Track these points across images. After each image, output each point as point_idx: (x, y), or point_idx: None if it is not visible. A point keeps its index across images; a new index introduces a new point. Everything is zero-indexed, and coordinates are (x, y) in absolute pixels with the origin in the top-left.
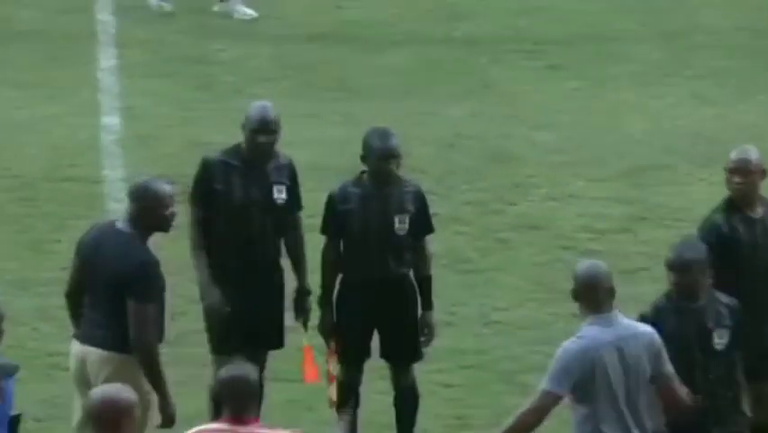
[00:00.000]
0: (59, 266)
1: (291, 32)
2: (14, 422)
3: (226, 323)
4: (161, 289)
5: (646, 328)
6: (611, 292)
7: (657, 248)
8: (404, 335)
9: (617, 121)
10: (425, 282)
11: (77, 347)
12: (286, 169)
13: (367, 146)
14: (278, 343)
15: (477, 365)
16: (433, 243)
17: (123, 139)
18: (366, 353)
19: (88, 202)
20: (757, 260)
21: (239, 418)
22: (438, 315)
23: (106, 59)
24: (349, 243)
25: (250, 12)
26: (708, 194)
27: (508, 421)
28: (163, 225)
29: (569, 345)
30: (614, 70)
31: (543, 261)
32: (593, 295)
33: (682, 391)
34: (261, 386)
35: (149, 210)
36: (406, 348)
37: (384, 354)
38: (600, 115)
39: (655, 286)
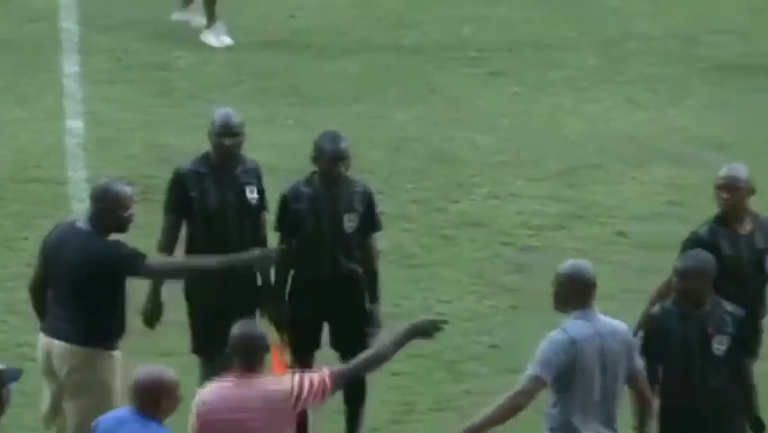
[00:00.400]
0: (25, 262)
1: (246, 40)
2: None
3: (203, 328)
4: (137, 256)
5: (623, 326)
6: (594, 290)
7: (591, 244)
8: (352, 326)
9: (555, 124)
10: (372, 277)
11: (43, 339)
12: (253, 171)
13: (318, 149)
14: None
15: (421, 355)
16: (380, 239)
17: (86, 142)
18: (316, 344)
19: (53, 202)
20: (740, 273)
21: (249, 370)
22: (385, 307)
23: (70, 67)
24: (301, 240)
25: (228, 40)
26: (639, 193)
27: (497, 403)
28: (122, 225)
29: (555, 335)
30: (552, 76)
31: (483, 256)
32: (580, 292)
33: (647, 387)
34: None
35: (108, 211)
36: (354, 339)
37: (334, 345)
38: (539, 119)
39: None
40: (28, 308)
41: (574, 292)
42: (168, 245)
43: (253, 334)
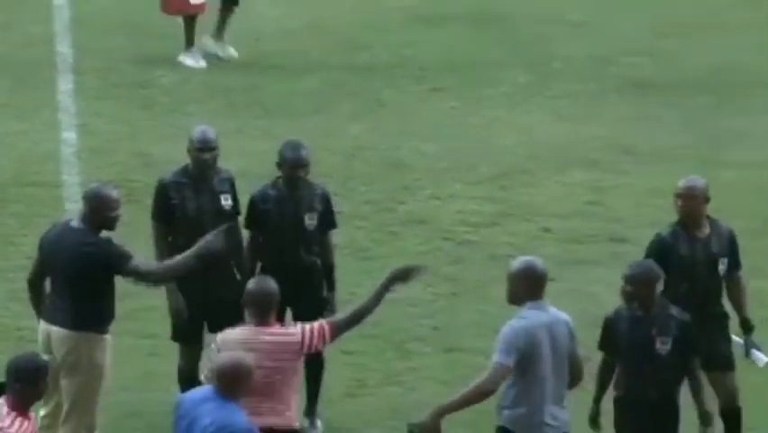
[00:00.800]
0: (25, 256)
1: (219, 62)
2: None
3: (188, 319)
4: (124, 256)
5: (566, 316)
6: (545, 283)
7: (520, 239)
8: (312, 311)
9: (489, 134)
10: (330, 269)
11: (42, 325)
12: (228, 181)
13: (281, 156)
14: None
15: (372, 336)
16: (336, 236)
17: (79, 151)
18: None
19: (50, 203)
20: (696, 273)
21: (262, 322)
22: (340, 295)
23: (65, 84)
24: (267, 236)
25: (233, 53)
26: (563, 194)
27: (466, 390)
28: (110, 224)
29: (515, 323)
30: (486, 92)
31: (426, 249)
32: (532, 286)
33: (581, 367)
34: None
35: (98, 211)
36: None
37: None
38: (475, 129)
39: None
40: (27, 297)
41: (528, 287)
42: (162, 253)
43: (267, 289)
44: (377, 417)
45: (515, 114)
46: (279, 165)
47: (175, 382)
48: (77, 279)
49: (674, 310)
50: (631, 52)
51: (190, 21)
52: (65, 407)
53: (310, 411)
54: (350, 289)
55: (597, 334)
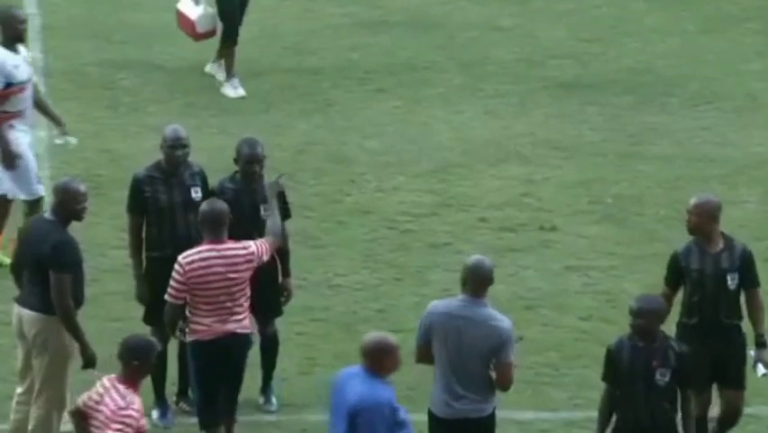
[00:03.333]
0: (1, 245)
1: (179, 65)
2: None
3: (157, 303)
4: (76, 262)
5: (502, 322)
6: (485, 284)
7: (458, 228)
8: (269, 296)
9: (428, 131)
10: (285, 256)
11: (16, 309)
12: (198, 175)
13: (239, 152)
14: None
15: (323, 319)
16: (289, 225)
17: (49, 147)
18: None
19: None
20: (705, 286)
21: (216, 240)
22: (294, 280)
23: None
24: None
25: (242, 92)
26: (497, 186)
27: None
28: (78, 215)
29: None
30: (426, 93)
31: (371, 238)
32: (471, 282)
33: (507, 377)
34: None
35: (67, 203)
36: (270, 306)
37: (253, 310)
38: (415, 127)
39: (458, 257)
40: (3, 284)
41: (470, 281)
42: (135, 244)
43: (219, 209)
44: (328, 393)
45: (451, 112)
46: (236, 160)
47: None
48: (43, 266)
49: (673, 342)
50: (557, 56)
51: (229, 52)
52: (36, 384)
53: (266, 388)
54: (301, 274)
55: (528, 315)
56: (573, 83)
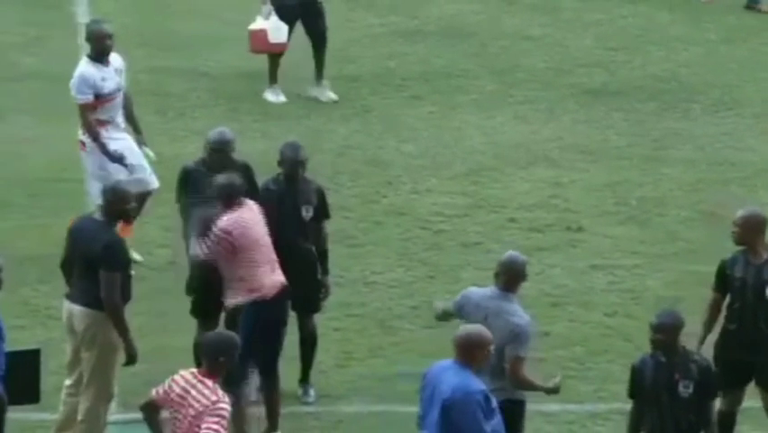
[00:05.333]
0: (54, 243)
1: (224, 72)
2: (37, 355)
3: (206, 296)
4: (125, 262)
5: (522, 319)
6: (518, 280)
7: (489, 228)
8: (308, 292)
9: (461, 136)
10: (324, 254)
11: (67, 305)
12: (242, 168)
13: (282, 155)
14: None
15: (359, 315)
16: (328, 225)
17: None
18: None
19: (75, 197)
20: (745, 295)
21: (234, 205)
22: (332, 278)
23: None
24: (269, 224)
25: (333, 96)
26: (526, 189)
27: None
28: (126, 215)
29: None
30: (459, 99)
31: (406, 237)
32: (505, 276)
33: (518, 372)
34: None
35: (116, 204)
36: (309, 302)
37: (293, 307)
38: (449, 132)
39: (488, 256)
40: (54, 280)
41: (502, 275)
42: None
43: (233, 181)
44: (363, 385)
45: (483, 118)
46: (280, 163)
47: (184, 355)
48: (93, 264)
49: (696, 356)
50: (585, 64)
51: (274, 59)
52: (85, 377)
53: (305, 381)
54: (339, 272)
55: (555, 312)
56: (600, 90)
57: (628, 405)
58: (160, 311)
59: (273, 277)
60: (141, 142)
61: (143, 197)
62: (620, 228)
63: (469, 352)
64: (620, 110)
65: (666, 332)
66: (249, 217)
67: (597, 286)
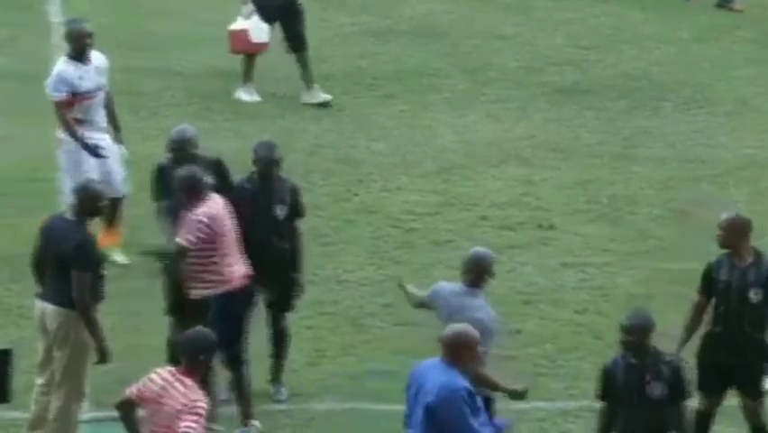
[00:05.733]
0: (24, 243)
1: (197, 71)
2: (8, 355)
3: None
4: (97, 261)
5: (487, 314)
6: (484, 276)
7: (460, 226)
8: (281, 291)
9: (433, 134)
10: (298, 253)
11: (39, 304)
12: (211, 164)
13: (256, 154)
14: None
15: (331, 313)
16: (301, 224)
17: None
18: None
19: (46, 196)
20: (729, 297)
21: (197, 199)
22: (305, 276)
23: None
24: (243, 223)
25: (326, 96)
26: (498, 187)
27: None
28: (97, 212)
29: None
30: (431, 98)
31: (378, 236)
32: (470, 272)
33: (482, 370)
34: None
35: (87, 203)
36: (282, 301)
37: (267, 305)
38: (420, 130)
39: (459, 253)
40: (26, 279)
41: (468, 272)
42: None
43: (194, 174)
44: (335, 383)
45: (455, 116)
46: (254, 162)
47: (157, 353)
48: (65, 264)
49: (668, 357)
50: (556, 62)
51: (251, 58)
52: (57, 376)
53: (276, 379)
54: (312, 270)
55: (526, 309)
56: (572, 88)
57: (599, 403)
58: (131, 310)
59: (241, 269)
60: (118, 141)
61: (114, 203)
62: (591, 226)
63: (456, 351)
64: (592, 108)
65: (637, 333)
66: (217, 210)
67: (568, 284)
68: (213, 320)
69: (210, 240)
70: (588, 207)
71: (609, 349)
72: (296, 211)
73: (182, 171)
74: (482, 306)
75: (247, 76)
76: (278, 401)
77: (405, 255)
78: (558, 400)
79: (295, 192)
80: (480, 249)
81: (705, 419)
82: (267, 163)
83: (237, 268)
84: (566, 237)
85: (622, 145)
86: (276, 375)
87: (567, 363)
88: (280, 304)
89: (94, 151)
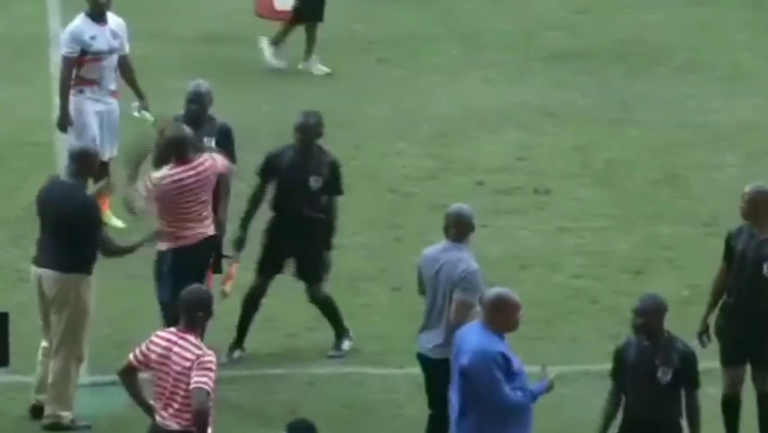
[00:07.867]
0: (22, 207)
1: (190, 36)
2: (5, 318)
3: None
4: (101, 219)
5: (468, 264)
6: (465, 228)
7: (457, 190)
8: (311, 261)
9: (429, 99)
10: (331, 229)
11: (35, 269)
12: (219, 129)
13: (297, 123)
14: None
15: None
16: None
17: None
18: (278, 270)
19: (43, 160)
20: (743, 269)
21: (186, 160)
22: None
23: (56, 56)
24: (279, 191)
25: (324, 69)
26: (494, 151)
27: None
28: (93, 175)
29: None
30: (426, 62)
31: (375, 200)
32: (454, 227)
33: (459, 315)
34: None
35: (87, 166)
36: (311, 272)
37: (298, 275)
38: (417, 95)
39: None
40: (25, 243)
41: (451, 228)
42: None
43: (183, 135)
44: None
45: (451, 81)
46: (294, 130)
47: (153, 317)
48: (64, 226)
49: (679, 343)
50: (551, 27)
51: (289, 25)
52: (54, 340)
53: (337, 337)
54: None
55: (522, 274)
56: (566, 53)
57: (594, 366)
58: (128, 274)
59: (198, 229)
60: (143, 107)
61: (103, 166)
62: (588, 191)
63: (493, 314)
64: (587, 73)
65: (647, 316)
66: (186, 176)
67: (564, 248)
68: (166, 273)
69: (156, 204)
70: (584, 172)
71: (604, 313)
72: (332, 186)
73: (170, 131)
74: (469, 258)
75: (277, 40)
76: (336, 357)
77: (401, 220)
78: (554, 364)
79: (334, 167)
80: (460, 205)
81: (731, 402)
82: (303, 131)
83: (193, 229)
84: (562, 202)
85: (618, 110)
86: (336, 335)
87: (563, 327)
88: (310, 275)
89: (67, 119)
